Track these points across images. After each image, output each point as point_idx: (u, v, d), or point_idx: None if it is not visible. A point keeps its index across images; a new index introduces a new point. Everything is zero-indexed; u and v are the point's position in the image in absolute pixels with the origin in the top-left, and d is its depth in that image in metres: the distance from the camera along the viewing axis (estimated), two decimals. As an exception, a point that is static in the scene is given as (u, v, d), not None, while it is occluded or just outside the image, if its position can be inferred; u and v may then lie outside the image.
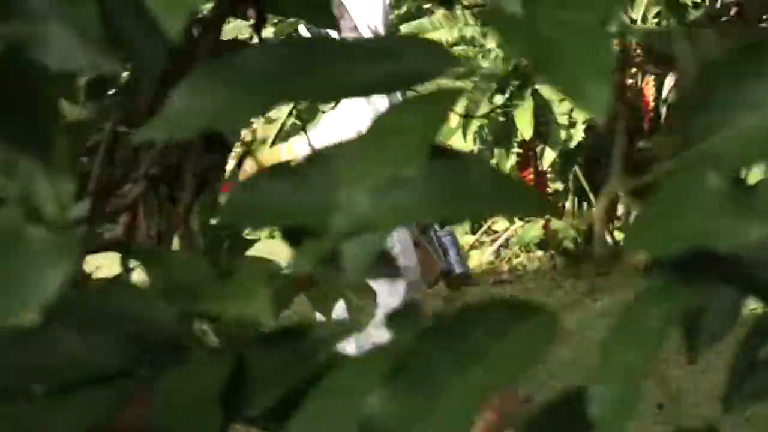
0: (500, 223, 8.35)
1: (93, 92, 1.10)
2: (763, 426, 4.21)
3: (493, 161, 7.58)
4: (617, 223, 6.78)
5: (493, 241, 8.34)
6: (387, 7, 4.24)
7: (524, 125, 7.31)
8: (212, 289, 0.77)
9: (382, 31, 4.17)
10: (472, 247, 8.24)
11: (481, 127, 7.65)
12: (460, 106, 6.66)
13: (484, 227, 8.37)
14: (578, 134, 7.47)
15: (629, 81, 6.98)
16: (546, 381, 4.51)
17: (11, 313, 0.67)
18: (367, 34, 4.03)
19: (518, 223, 8.12)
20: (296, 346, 0.74)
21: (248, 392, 0.71)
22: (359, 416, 0.64)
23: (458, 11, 7.53)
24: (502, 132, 7.61)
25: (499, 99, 7.36)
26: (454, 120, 7.11)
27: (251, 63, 0.72)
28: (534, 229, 7.92)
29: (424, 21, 7.98)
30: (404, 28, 7.75)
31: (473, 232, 8.47)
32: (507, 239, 8.24)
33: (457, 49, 7.57)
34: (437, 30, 7.80)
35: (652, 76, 7.06)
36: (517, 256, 8.13)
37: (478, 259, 8.12)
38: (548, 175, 7.99)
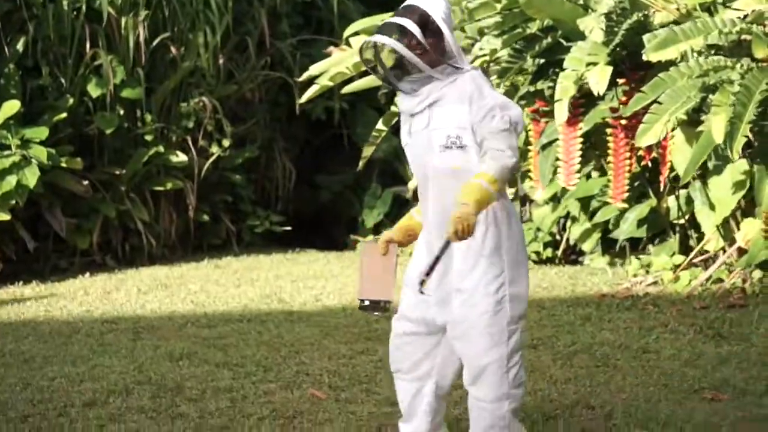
0: (712, 243, 8.42)
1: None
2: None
3: None
4: None
5: (705, 262, 8.49)
6: None
7: None
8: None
9: None
10: (682, 267, 8.37)
11: None
12: None
13: (697, 248, 8.46)
14: None
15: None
16: None
17: None
18: None
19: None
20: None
21: None
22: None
23: None
24: None
25: None
26: None
27: None
28: (760, 248, 7.81)
29: None
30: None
31: (683, 253, 8.67)
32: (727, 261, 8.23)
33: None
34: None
35: None
36: (744, 280, 8.07)
37: (689, 281, 8.26)
38: None
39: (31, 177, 9.28)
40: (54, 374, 6.46)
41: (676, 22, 8.21)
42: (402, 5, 4.50)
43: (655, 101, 7.43)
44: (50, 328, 7.71)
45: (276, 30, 11.62)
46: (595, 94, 7.69)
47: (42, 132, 9.53)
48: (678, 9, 8.20)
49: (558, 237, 10.01)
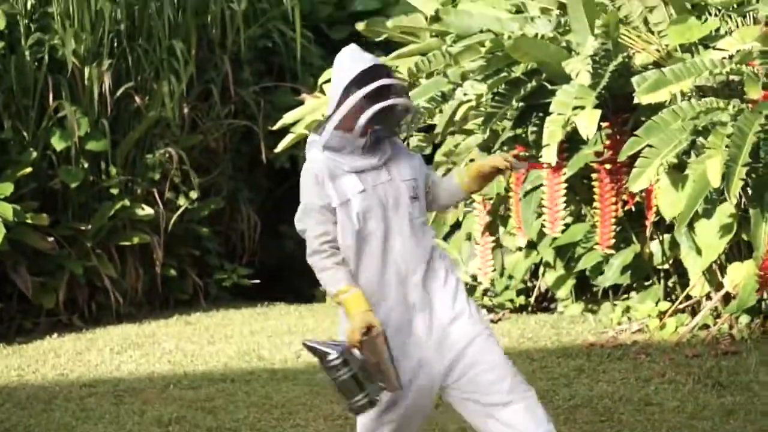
0: (697, 288, 8.28)
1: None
2: None
3: None
4: None
5: (691, 308, 8.36)
6: None
7: None
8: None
9: None
10: (668, 314, 8.23)
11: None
12: None
13: (683, 294, 8.32)
14: None
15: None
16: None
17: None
18: None
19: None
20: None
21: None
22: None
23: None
24: None
25: None
26: None
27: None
28: (750, 292, 7.65)
29: None
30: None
31: (668, 299, 8.53)
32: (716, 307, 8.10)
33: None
34: None
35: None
36: (731, 326, 7.96)
37: (675, 327, 8.12)
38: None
39: (-3, 235, 8.97)
40: (38, 445, 6.18)
41: (656, 63, 8.11)
42: (376, 63, 4.39)
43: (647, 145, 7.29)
44: (26, 394, 7.40)
45: (238, 77, 11.40)
46: (585, 138, 7.54)
47: (6, 188, 9.22)
48: (658, 50, 8.10)
49: (529, 284, 9.87)
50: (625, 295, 9.09)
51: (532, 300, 9.74)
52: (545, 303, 9.87)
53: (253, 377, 7.62)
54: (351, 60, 4.37)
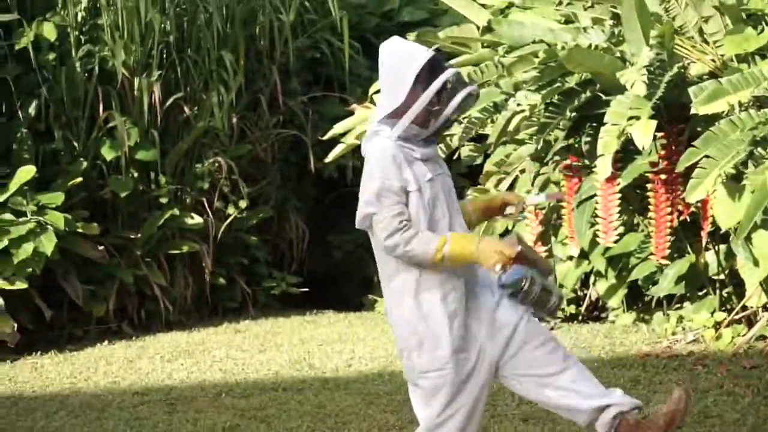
0: (754, 299, 8.19)
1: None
2: None
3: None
4: None
5: (747, 319, 8.27)
6: None
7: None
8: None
9: None
10: (724, 325, 8.14)
11: None
12: None
13: (740, 305, 8.23)
14: None
15: None
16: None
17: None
18: None
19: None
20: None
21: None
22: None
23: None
24: None
25: None
26: None
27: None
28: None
29: None
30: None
31: (723, 309, 8.44)
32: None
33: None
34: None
35: None
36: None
37: (732, 338, 8.03)
38: None
39: (48, 244, 8.99)
40: (94, 453, 6.18)
41: (712, 74, 8.04)
42: (434, 53, 4.40)
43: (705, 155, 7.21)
44: (79, 402, 7.41)
45: (286, 88, 11.40)
46: (640, 148, 7.47)
47: (58, 197, 9.25)
48: (714, 60, 8.03)
49: (579, 293, 9.80)
50: (678, 305, 9.01)
51: (582, 309, 9.67)
52: (596, 312, 9.80)
53: (305, 386, 7.59)
54: (408, 51, 4.37)
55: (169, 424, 6.73)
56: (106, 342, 9.57)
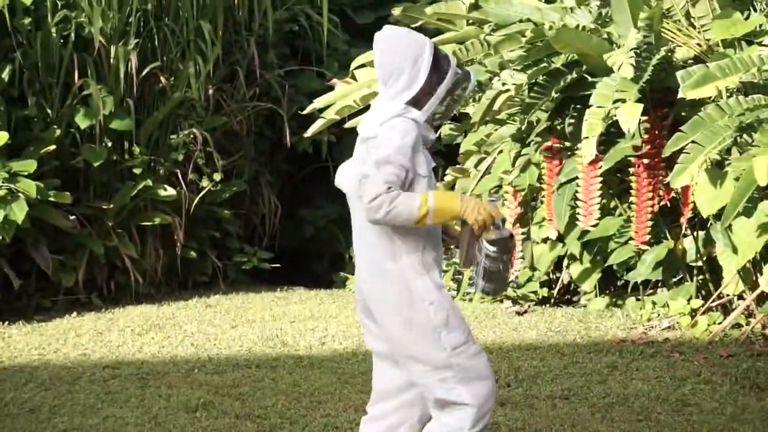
0: (731, 286, 8.13)
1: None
2: None
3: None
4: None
5: (723, 306, 8.21)
6: None
7: None
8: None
9: None
10: (699, 312, 8.10)
11: None
12: None
13: (717, 293, 8.18)
14: None
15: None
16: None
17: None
18: None
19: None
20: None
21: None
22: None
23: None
24: None
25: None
26: None
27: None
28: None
29: None
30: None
31: (701, 297, 8.38)
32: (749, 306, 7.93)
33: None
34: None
35: None
36: (764, 327, 7.78)
37: (707, 326, 7.97)
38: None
39: (19, 212, 8.82)
40: (65, 426, 6.07)
41: (697, 58, 7.98)
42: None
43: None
44: (48, 374, 7.28)
45: (263, 60, 11.25)
46: (626, 131, 7.39)
47: (30, 165, 9.08)
48: (699, 45, 7.96)
49: (551, 276, 9.73)
50: (651, 291, 8.95)
51: (554, 292, 9.61)
52: (567, 296, 9.74)
53: (279, 363, 7.49)
54: (416, 38, 4.39)
55: (142, 399, 6.61)
56: (74, 313, 9.42)
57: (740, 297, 8.21)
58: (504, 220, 4.46)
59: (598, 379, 6.92)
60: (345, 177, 4.49)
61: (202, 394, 6.67)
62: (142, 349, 8.02)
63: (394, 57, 4.34)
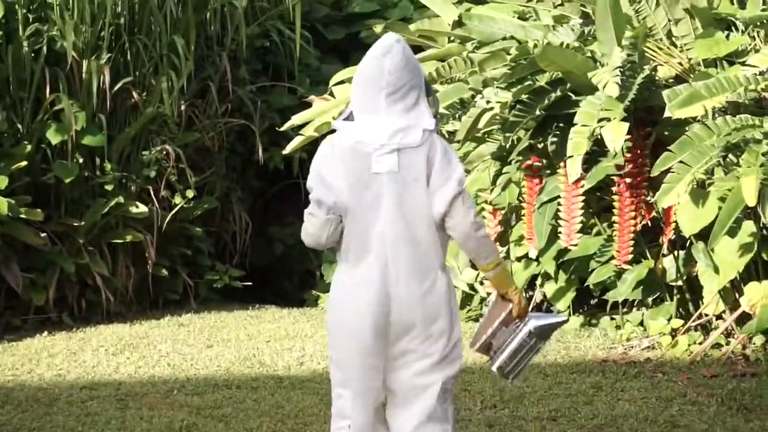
0: (711, 306, 8.10)
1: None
2: None
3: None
4: None
5: (703, 326, 8.18)
6: None
7: None
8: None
9: None
10: (682, 332, 8.05)
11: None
12: None
13: (697, 313, 8.13)
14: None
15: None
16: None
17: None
18: None
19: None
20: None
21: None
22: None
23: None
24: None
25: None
26: None
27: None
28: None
29: None
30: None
31: (681, 317, 8.34)
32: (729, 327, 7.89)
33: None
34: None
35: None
36: (744, 347, 7.78)
37: (688, 345, 7.93)
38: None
39: (-10, 229, 8.67)
40: (47, 451, 5.92)
41: (678, 77, 7.96)
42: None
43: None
44: (24, 395, 7.12)
45: (235, 76, 11.14)
46: (611, 150, 7.36)
47: (1, 181, 8.92)
48: (681, 63, 7.95)
49: (525, 295, 9.67)
50: (625, 310, 8.90)
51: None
52: (541, 315, 9.65)
53: (259, 384, 7.38)
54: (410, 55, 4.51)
55: (123, 421, 6.48)
56: (45, 333, 9.24)
57: (719, 317, 8.18)
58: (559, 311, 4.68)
59: (584, 400, 6.86)
60: (386, 162, 4.45)
61: (185, 415, 6.54)
62: (119, 369, 7.88)
63: (415, 70, 4.46)
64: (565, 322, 4.51)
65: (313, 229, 4.46)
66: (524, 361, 4.49)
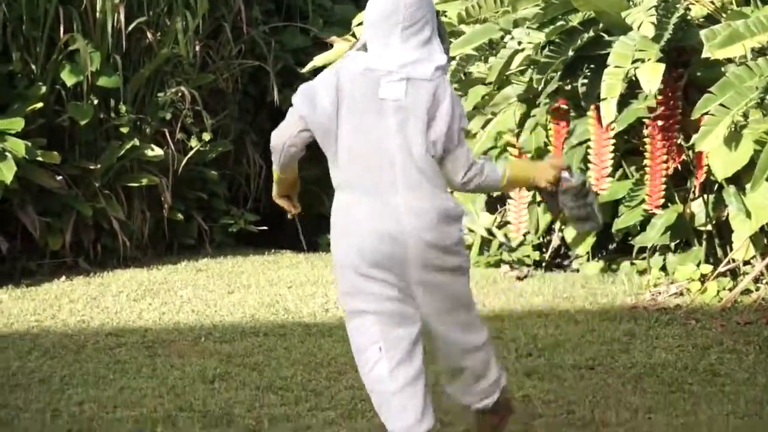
0: (741, 251, 7.97)
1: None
2: None
3: None
4: None
5: (731, 272, 8.06)
6: None
7: None
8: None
9: None
10: (712, 277, 7.93)
11: None
12: None
13: (728, 257, 8.00)
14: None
15: None
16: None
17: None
18: None
19: None
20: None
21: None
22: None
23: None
24: None
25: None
26: None
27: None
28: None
29: None
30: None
31: (710, 262, 8.22)
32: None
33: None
34: None
35: None
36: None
37: (717, 292, 7.82)
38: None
39: (8, 172, 8.49)
40: (80, 398, 5.80)
41: (709, 16, 7.79)
42: None
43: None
44: (51, 342, 6.99)
45: (248, 16, 10.93)
46: (647, 92, 7.20)
47: (17, 123, 8.73)
48: (713, 2, 7.77)
49: (543, 240, 9.55)
50: (644, 255, 8.77)
51: (546, 256, 9.42)
52: (557, 259, 9.56)
53: (287, 331, 7.25)
54: None
55: (153, 368, 6.36)
56: (63, 277, 9.09)
57: (746, 263, 8.06)
58: (569, 168, 4.64)
59: (620, 348, 6.75)
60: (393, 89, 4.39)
61: (216, 363, 6.42)
62: (142, 315, 7.75)
63: (429, 6, 4.42)
64: (583, 182, 4.67)
65: (280, 132, 4.61)
66: (586, 215, 4.68)
